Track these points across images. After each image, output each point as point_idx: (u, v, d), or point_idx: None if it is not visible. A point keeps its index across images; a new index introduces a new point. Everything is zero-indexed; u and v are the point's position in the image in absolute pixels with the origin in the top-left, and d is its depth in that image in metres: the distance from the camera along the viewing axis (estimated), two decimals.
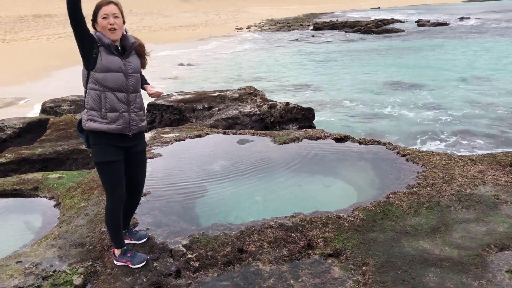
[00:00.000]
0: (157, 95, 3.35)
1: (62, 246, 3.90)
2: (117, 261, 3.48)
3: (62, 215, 4.62)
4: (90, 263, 3.68)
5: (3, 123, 8.83)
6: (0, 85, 15.02)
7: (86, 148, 7.22)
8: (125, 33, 3.30)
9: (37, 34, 28.27)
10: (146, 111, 3.44)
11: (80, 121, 3.30)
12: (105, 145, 3.23)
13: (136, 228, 3.92)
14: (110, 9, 3.16)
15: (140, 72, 3.40)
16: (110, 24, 3.15)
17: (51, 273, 3.54)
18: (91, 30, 3.23)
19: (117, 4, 3.21)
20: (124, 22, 3.26)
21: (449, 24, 43.94)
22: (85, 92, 3.23)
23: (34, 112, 11.91)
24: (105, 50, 3.16)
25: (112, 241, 3.51)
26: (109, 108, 3.18)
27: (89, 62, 3.15)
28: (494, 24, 41.97)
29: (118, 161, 3.28)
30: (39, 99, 12.11)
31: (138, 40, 3.38)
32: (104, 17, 3.15)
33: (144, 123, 3.40)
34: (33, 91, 14.47)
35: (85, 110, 3.23)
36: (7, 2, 44.81)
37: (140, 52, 3.37)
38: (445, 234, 3.63)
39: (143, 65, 3.41)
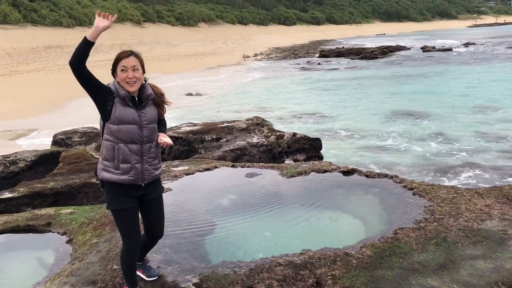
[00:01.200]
0: (166, 145, 3.38)
1: (74, 284, 3.97)
2: None
3: (74, 252, 4.70)
4: None
5: (15, 156, 8.99)
6: (12, 116, 15.33)
7: (97, 182, 7.35)
8: (144, 82, 3.34)
9: (48, 65, 28.88)
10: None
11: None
12: (117, 193, 3.31)
13: (149, 264, 3.99)
14: (129, 62, 3.21)
15: (158, 121, 3.43)
16: (129, 78, 3.20)
17: None
18: (110, 79, 3.35)
19: (137, 56, 3.26)
20: (144, 72, 3.31)
21: (454, 50, 44.33)
22: (102, 141, 3.34)
23: (45, 143, 12.11)
24: (121, 102, 3.23)
25: (125, 280, 3.60)
26: (122, 159, 3.25)
27: (104, 113, 3.23)
28: (499, 50, 42.26)
29: (131, 208, 3.35)
30: (51, 131, 12.34)
31: (157, 89, 3.44)
32: (123, 70, 3.21)
33: (159, 171, 3.45)
34: (45, 122, 14.75)
35: (100, 159, 3.33)
36: (19, 33, 45.92)
37: (157, 102, 3.41)
38: (453, 271, 3.66)
39: (160, 114, 3.45)
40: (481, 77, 24.73)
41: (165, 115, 3.59)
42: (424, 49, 46.74)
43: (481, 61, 33.22)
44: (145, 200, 3.46)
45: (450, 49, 44.57)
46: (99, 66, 28.22)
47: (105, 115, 3.24)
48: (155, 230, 3.62)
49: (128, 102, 3.25)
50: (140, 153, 3.29)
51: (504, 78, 23.88)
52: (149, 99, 3.35)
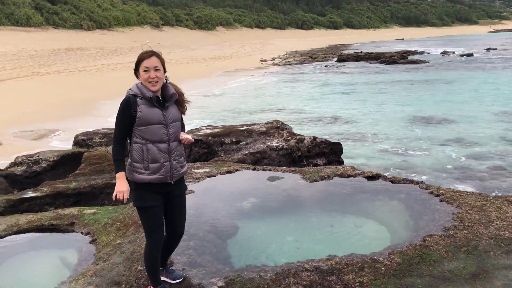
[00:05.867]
0: (188, 142, 3.50)
1: (99, 284, 3.96)
2: None
3: (98, 252, 4.70)
4: None
5: (38, 156, 9.09)
6: (34, 117, 15.53)
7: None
8: (165, 81, 3.43)
9: (69, 67, 29.27)
10: None
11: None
12: (146, 190, 3.38)
13: (172, 267, 3.97)
14: (151, 62, 3.30)
15: (180, 120, 3.54)
16: (151, 78, 3.30)
17: None
18: (134, 80, 3.39)
19: (158, 56, 3.36)
20: (165, 71, 3.40)
21: (475, 55, 43.68)
22: (129, 144, 3.39)
23: (67, 144, 12.23)
24: (146, 103, 3.32)
25: (149, 279, 3.62)
26: (151, 159, 3.34)
27: (132, 120, 3.33)
28: None
29: (157, 206, 3.43)
30: (72, 132, 12.46)
31: (178, 88, 3.53)
32: (145, 70, 3.31)
33: (185, 168, 3.56)
34: (66, 123, 14.91)
35: (129, 161, 3.39)
36: (41, 36, 46.76)
37: (178, 100, 3.50)
38: (486, 281, 3.55)
39: (182, 112, 3.56)
40: (503, 83, 24.29)
41: (183, 116, 3.69)
42: (444, 54, 46.18)
43: (503, 67, 32.66)
44: (170, 196, 3.52)
45: (471, 55, 43.93)
46: (119, 69, 28.55)
47: (133, 121, 3.32)
48: (178, 228, 3.65)
49: (154, 103, 3.35)
50: (168, 152, 3.38)
51: None
52: (174, 99, 3.44)
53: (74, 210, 5.91)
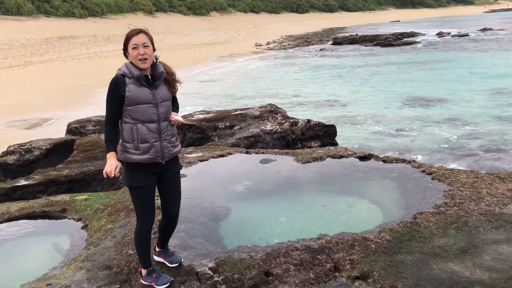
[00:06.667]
0: (178, 123, 3.45)
1: (90, 269, 3.96)
2: (144, 280, 3.57)
3: (89, 237, 4.69)
4: (118, 286, 3.72)
5: (30, 145, 9.04)
6: (26, 106, 15.42)
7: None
8: (155, 60, 3.38)
9: (61, 56, 29.02)
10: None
11: None
12: (137, 170, 3.35)
13: (172, 251, 3.93)
14: (139, 39, 3.25)
15: (171, 99, 3.48)
16: (140, 55, 3.25)
17: None
18: (123, 60, 3.35)
19: (146, 33, 3.31)
20: (154, 50, 3.35)
21: (470, 35, 43.48)
22: (120, 124, 3.37)
23: (60, 132, 12.17)
24: (135, 82, 3.27)
25: (139, 260, 3.60)
26: (141, 139, 3.30)
27: (121, 100, 3.30)
28: None
29: (149, 186, 3.40)
30: (65, 120, 12.38)
31: (168, 67, 3.47)
32: (134, 48, 3.25)
33: (177, 148, 3.51)
34: (59, 111, 14.82)
35: (120, 141, 3.37)
36: (33, 25, 46.23)
37: (168, 80, 3.44)
38: (475, 256, 3.56)
39: (173, 92, 3.49)
40: (497, 63, 24.23)
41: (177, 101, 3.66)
42: (440, 35, 45.98)
43: (498, 47, 32.54)
44: (164, 176, 3.49)
45: (466, 35, 43.75)
46: (112, 56, 28.30)
47: (122, 100, 3.28)
48: (171, 208, 3.61)
49: (142, 82, 3.29)
50: (158, 131, 3.34)
51: None
52: (162, 78, 3.39)
53: (65, 197, 5.89)
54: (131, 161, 3.33)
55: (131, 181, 3.38)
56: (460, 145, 10.26)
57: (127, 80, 3.27)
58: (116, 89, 3.26)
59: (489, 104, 14.29)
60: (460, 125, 11.96)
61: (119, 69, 3.34)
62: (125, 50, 3.32)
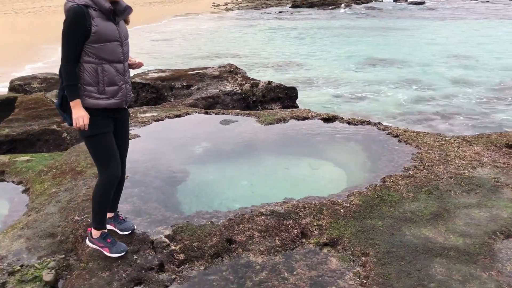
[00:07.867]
0: (139, 65, 3.16)
1: (30, 237, 3.54)
2: (92, 243, 3.15)
3: (31, 202, 4.23)
4: (63, 256, 3.33)
5: None
6: None
7: (58, 129, 6.78)
8: None
9: (4, 9, 26.98)
10: None
11: (62, 98, 2.92)
12: (100, 116, 2.93)
13: (123, 217, 3.52)
14: None
15: None
16: None
17: (18, 267, 3.19)
18: None
19: None
20: None
21: (426, 3, 43.91)
22: (77, 66, 2.85)
23: (1, 90, 11.26)
24: (101, 16, 2.82)
25: (93, 220, 3.15)
26: (108, 82, 2.90)
27: (85, 34, 2.80)
28: (472, 3, 42.10)
29: (111, 132, 3.03)
30: (7, 77, 11.45)
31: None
32: None
33: (131, 92, 3.15)
34: (1, 68, 13.72)
35: (80, 86, 2.86)
36: None
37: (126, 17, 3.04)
38: (448, 221, 3.40)
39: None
40: (454, 30, 24.56)
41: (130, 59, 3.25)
42: (397, 1, 46.23)
43: (454, 16, 33.01)
44: (117, 122, 3.10)
45: (422, 2, 44.19)
46: (60, 11, 26.58)
47: (87, 36, 2.79)
48: (124, 158, 3.24)
49: (111, 17, 2.87)
50: (123, 73, 2.99)
51: (480, 30, 23.76)
52: (128, 13, 2.98)
53: (4, 158, 5.33)
54: (96, 107, 2.89)
55: (94, 128, 2.91)
56: (421, 108, 10.30)
57: (92, 12, 2.78)
58: (82, 21, 2.74)
59: (446, 69, 14.50)
60: (420, 88, 12.05)
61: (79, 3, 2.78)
62: None
